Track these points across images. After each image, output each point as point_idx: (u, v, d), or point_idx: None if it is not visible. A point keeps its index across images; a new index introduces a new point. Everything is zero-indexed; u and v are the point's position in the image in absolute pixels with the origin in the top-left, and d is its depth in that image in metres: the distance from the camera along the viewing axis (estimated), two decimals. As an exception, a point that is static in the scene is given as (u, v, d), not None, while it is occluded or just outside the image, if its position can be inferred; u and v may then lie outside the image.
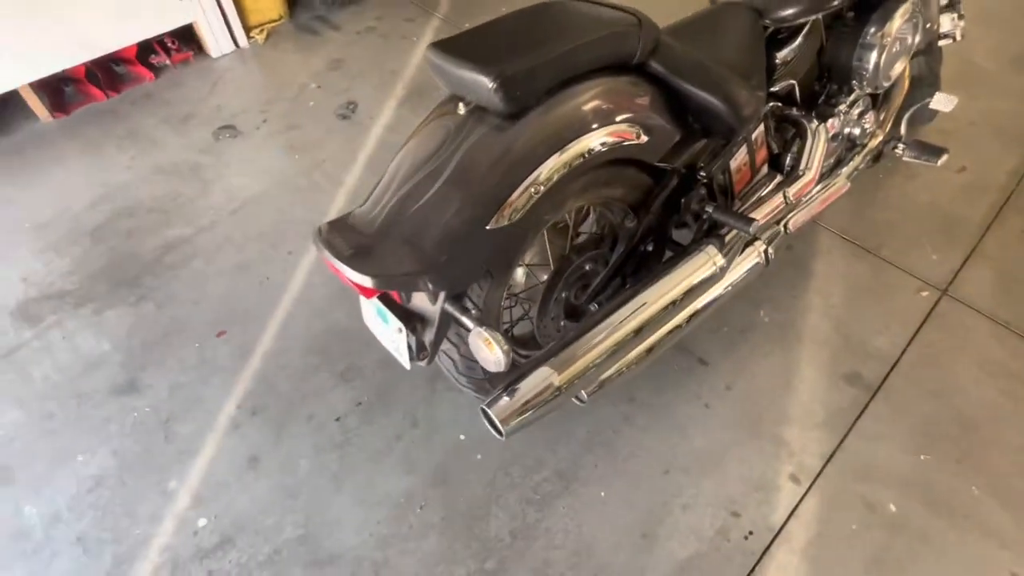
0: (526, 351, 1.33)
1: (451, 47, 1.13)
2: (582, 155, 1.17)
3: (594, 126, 1.18)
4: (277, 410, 1.73)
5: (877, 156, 1.89)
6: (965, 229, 2.13)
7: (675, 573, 1.43)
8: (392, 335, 1.27)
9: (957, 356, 1.79)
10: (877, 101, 1.87)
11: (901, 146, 1.88)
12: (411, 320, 1.25)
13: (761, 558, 1.45)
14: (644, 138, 1.26)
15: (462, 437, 1.67)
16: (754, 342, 1.83)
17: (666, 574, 1.43)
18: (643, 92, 1.27)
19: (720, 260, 1.39)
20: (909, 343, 1.83)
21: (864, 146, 1.82)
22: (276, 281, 2.04)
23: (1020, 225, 2.14)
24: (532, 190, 1.14)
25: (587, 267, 1.50)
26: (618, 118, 1.21)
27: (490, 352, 1.10)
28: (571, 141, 1.16)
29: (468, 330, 1.15)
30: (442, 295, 1.18)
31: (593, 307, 1.51)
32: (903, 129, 1.92)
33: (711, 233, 1.46)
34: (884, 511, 1.51)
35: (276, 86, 2.82)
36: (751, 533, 1.49)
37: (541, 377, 1.18)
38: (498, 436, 1.17)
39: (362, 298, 1.32)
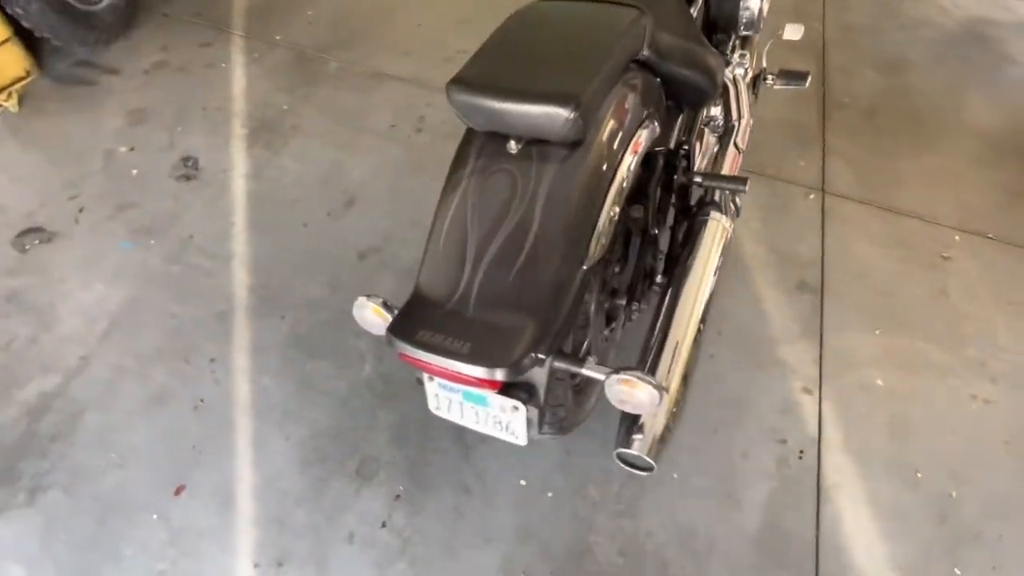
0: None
1: (487, 80, 0.96)
2: (631, 162, 1.10)
3: (636, 130, 1.11)
4: (307, 547, 1.42)
5: (755, 91, 2.08)
6: (808, 132, 2.47)
7: (768, 516, 1.51)
8: (499, 415, 1.09)
9: (856, 240, 2.11)
10: (746, 41, 2.04)
11: (771, 77, 2.08)
12: (516, 391, 1.09)
13: (820, 468, 1.60)
14: (658, 129, 1.22)
15: (523, 483, 1.54)
16: (717, 285, 1.94)
17: (762, 521, 1.50)
18: (648, 83, 1.22)
19: (727, 222, 1.43)
20: (823, 243, 2.09)
21: (748, 83, 1.98)
22: (214, 400, 1.64)
23: (843, 119, 2.54)
24: (611, 213, 1.05)
25: (616, 269, 1.44)
26: (644, 115, 1.16)
27: (640, 391, 1.00)
28: (625, 151, 1.08)
29: (598, 380, 1.03)
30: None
31: (635, 307, 1.46)
32: (764, 62, 2.12)
33: (702, 202, 1.49)
34: (875, 387, 1.75)
35: (70, 161, 2.18)
36: (802, 451, 1.62)
37: (655, 396, 1.12)
38: (646, 472, 1.09)
39: (429, 387, 1.12)
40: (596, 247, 1.02)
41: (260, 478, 1.51)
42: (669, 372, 1.14)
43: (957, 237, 2.15)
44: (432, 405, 1.16)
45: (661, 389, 0.99)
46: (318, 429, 1.59)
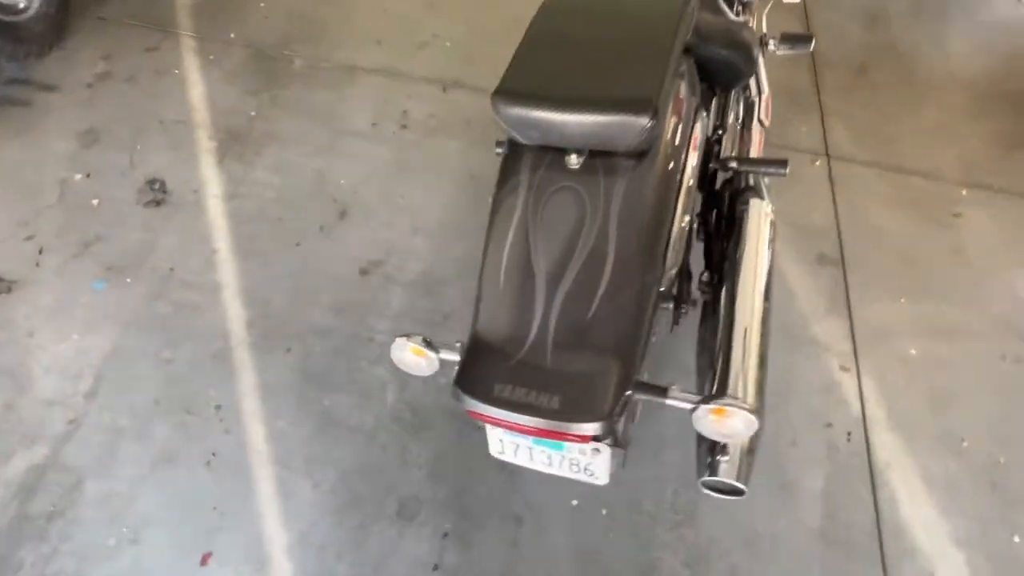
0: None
1: (541, 89, 0.83)
2: (694, 162, 1.00)
3: (694, 124, 1.00)
4: (357, 603, 1.31)
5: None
6: (804, 96, 2.40)
7: (826, 505, 1.46)
8: (576, 458, 0.99)
9: (868, 205, 2.05)
10: (747, 7, 1.92)
11: (772, 42, 1.98)
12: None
13: (869, 448, 1.56)
14: (708, 119, 1.12)
15: (574, 503, 1.45)
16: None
17: (821, 511, 1.45)
18: (692, 70, 1.10)
19: (768, 208, 1.34)
20: (835, 210, 2.04)
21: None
22: (227, 452, 1.49)
23: (835, 79, 2.47)
24: (682, 222, 0.94)
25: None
26: (696, 106, 1.05)
27: (736, 420, 0.91)
28: (688, 150, 0.97)
29: (687, 409, 0.94)
30: None
31: (682, 310, 1.37)
32: (764, 27, 2.02)
33: (738, 189, 1.39)
34: (910, 358, 1.72)
35: (20, 196, 1.94)
36: (849, 434, 1.58)
37: (752, 422, 1.03)
38: (736, 496, 1.01)
39: (492, 430, 1.01)
40: (670, 262, 0.92)
41: (293, 533, 1.38)
42: (746, 386, 1.05)
43: (964, 192, 2.12)
44: (495, 450, 1.05)
45: (757, 413, 0.90)
46: (347, 470, 1.46)
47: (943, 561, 1.39)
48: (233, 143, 2.10)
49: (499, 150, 1.45)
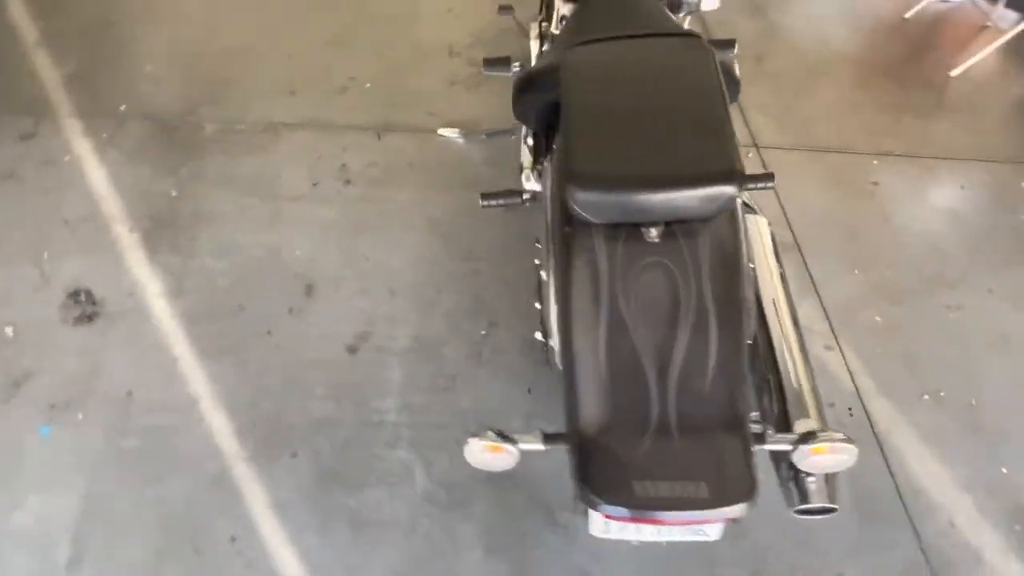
0: None
1: (617, 171, 0.80)
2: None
3: None
4: None
5: None
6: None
7: (848, 479, 1.56)
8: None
9: (803, 187, 2.21)
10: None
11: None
12: None
13: (870, 420, 1.68)
14: None
15: (635, 543, 1.44)
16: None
17: (846, 486, 1.55)
18: None
19: (764, 220, 1.39)
20: (778, 197, 2.17)
21: None
22: (258, 585, 1.33)
23: (742, 71, 2.62)
24: (750, 269, 0.95)
25: None
26: None
27: (842, 454, 0.93)
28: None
29: (788, 451, 0.95)
30: None
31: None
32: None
33: None
34: (877, 325, 1.87)
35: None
36: (850, 409, 1.70)
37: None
38: (828, 515, 1.05)
39: (595, 513, 0.97)
40: (752, 312, 0.92)
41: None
42: (819, 412, 1.08)
43: (875, 162, 2.34)
44: (598, 531, 1.01)
45: (853, 441, 0.93)
46: (397, 571, 1.36)
47: (958, 509, 1.53)
48: (160, 232, 1.87)
49: (485, 203, 1.40)
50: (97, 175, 1.99)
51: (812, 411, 1.10)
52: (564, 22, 1.53)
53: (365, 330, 1.71)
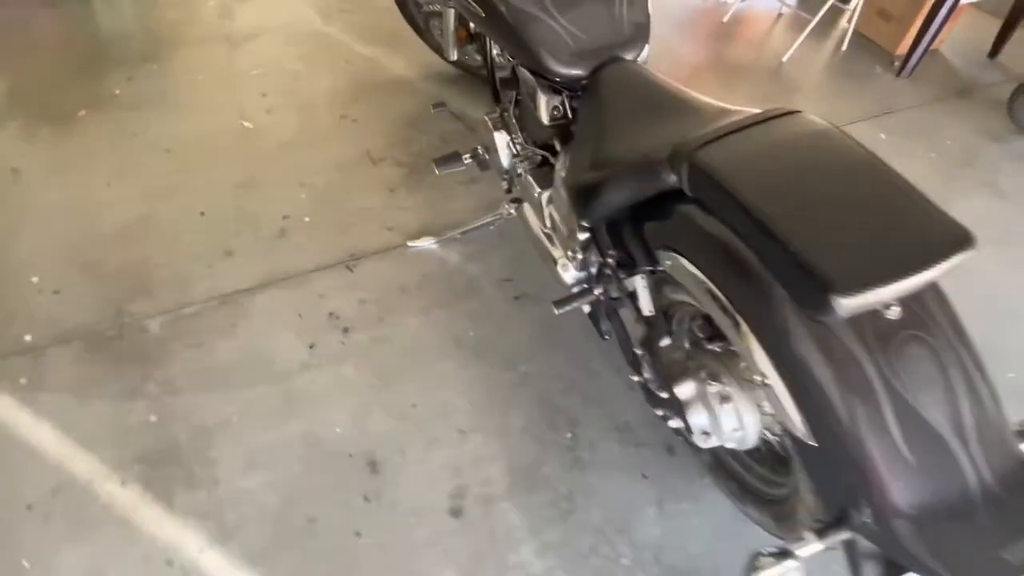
0: None
1: (868, 268, 0.80)
2: None
3: None
4: None
5: None
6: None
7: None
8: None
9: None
10: None
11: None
12: None
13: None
14: None
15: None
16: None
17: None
18: None
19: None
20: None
21: None
22: None
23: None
24: None
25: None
26: None
27: None
28: None
29: None
30: None
31: None
32: None
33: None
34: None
35: None
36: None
37: None
38: None
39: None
40: None
41: None
42: None
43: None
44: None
45: None
46: None
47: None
48: (163, 472, 1.52)
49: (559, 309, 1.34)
50: (41, 435, 1.57)
51: None
52: (563, 113, 1.52)
53: (457, 485, 1.54)
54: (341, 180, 2.29)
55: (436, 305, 1.92)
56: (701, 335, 1.27)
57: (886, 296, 0.79)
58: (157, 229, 2.07)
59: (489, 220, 2.06)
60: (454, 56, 2.22)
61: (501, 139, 1.82)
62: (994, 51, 3.34)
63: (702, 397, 1.25)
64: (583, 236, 1.48)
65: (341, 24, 3.13)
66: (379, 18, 3.17)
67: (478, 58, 2.42)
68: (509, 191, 1.95)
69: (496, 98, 1.92)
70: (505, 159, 1.84)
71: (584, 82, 1.46)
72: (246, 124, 2.51)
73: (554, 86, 1.52)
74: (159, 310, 1.84)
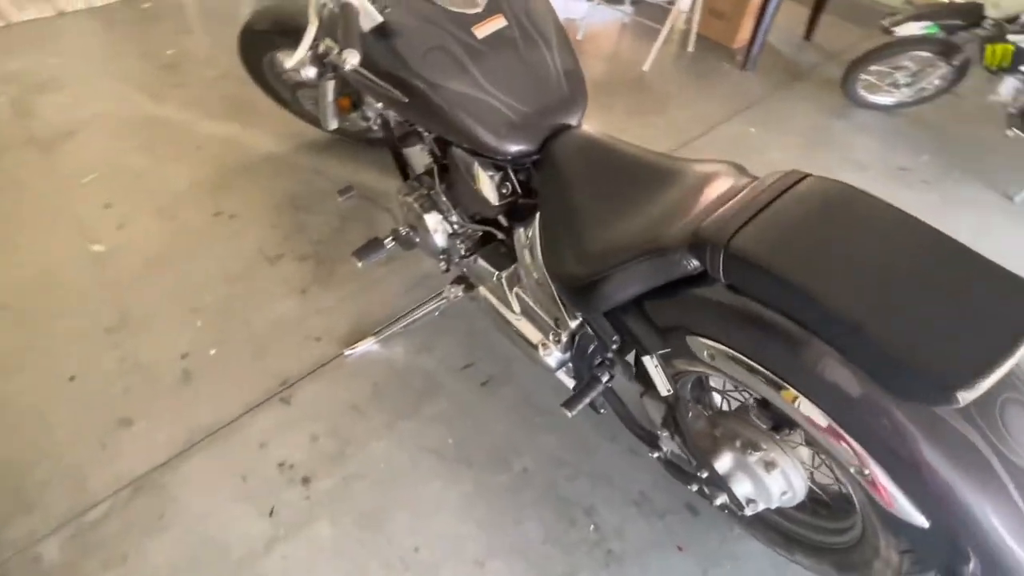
0: None
1: (973, 357, 0.78)
2: None
3: None
4: None
5: None
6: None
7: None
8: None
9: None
10: None
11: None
12: None
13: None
14: None
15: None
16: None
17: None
18: None
19: None
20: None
21: None
22: None
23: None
24: None
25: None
26: None
27: None
28: None
29: None
30: None
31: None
32: None
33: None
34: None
35: None
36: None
37: None
38: None
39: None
40: None
41: None
42: None
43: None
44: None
45: None
46: None
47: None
48: None
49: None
50: None
51: None
52: (512, 189, 1.39)
53: (496, 627, 1.36)
54: (239, 293, 1.96)
55: (399, 417, 1.69)
56: (759, 421, 1.21)
57: (999, 376, 0.76)
58: (13, 418, 1.61)
59: (433, 308, 1.86)
60: (333, 126, 1.97)
61: (433, 220, 1.64)
62: (807, 34, 3.74)
63: (744, 467, 1.20)
64: (574, 323, 1.36)
65: (176, 102, 2.70)
66: (219, 88, 2.78)
67: (361, 124, 2.19)
68: (447, 270, 1.78)
69: (404, 174, 1.73)
70: (440, 240, 1.67)
71: (535, 157, 1.34)
72: (95, 248, 2.06)
73: (496, 163, 1.38)
74: (51, 526, 1.42)
